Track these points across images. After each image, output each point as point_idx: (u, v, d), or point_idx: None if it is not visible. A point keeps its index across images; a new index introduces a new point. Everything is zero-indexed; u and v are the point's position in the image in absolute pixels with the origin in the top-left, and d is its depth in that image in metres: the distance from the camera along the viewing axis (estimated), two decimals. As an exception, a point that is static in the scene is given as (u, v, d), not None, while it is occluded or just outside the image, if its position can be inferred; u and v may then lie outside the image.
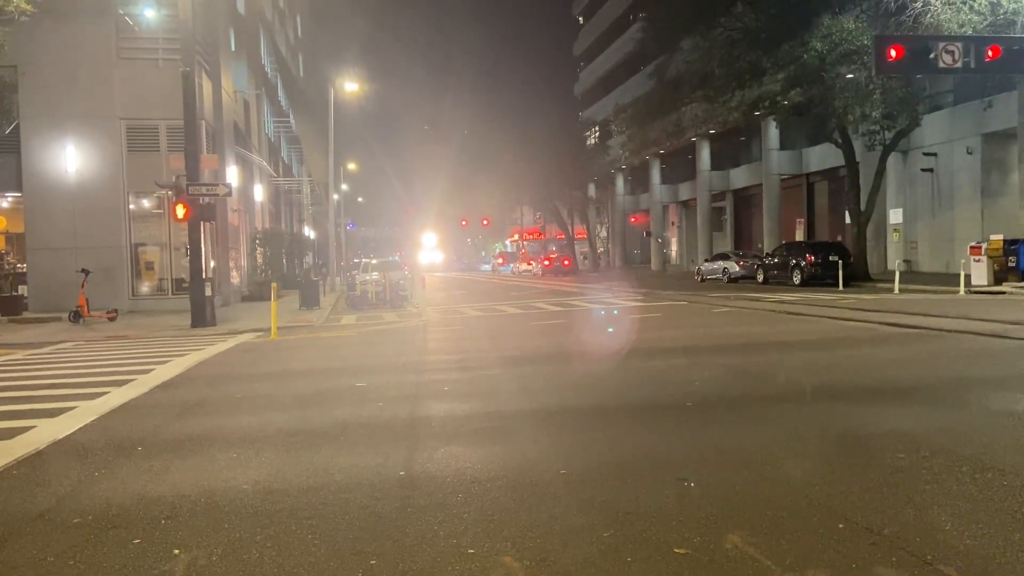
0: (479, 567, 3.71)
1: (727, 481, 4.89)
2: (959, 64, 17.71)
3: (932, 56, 17.59)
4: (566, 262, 54.70)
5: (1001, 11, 19.95)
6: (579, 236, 64.82)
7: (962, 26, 20.13)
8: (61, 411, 7.85)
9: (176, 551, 4.02)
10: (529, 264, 58.84)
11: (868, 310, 16.43)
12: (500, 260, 74.20)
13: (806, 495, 4.57)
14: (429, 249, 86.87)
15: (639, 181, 61.52)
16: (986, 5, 20.00)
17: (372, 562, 3.82)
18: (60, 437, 6.73)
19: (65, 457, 6.13)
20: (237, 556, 3.94)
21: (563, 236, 64.00)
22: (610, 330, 15.27)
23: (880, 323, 13.79)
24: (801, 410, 6.99)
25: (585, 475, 5.13)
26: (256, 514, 4.57)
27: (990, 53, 17.65)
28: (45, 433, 6.88)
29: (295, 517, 4.49)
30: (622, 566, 3.68)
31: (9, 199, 24.16)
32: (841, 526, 4.06)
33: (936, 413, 6.61)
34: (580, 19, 75.75)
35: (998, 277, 21.98)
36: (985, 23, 20.14)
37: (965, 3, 20.23)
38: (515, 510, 4.49)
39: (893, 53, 17.67)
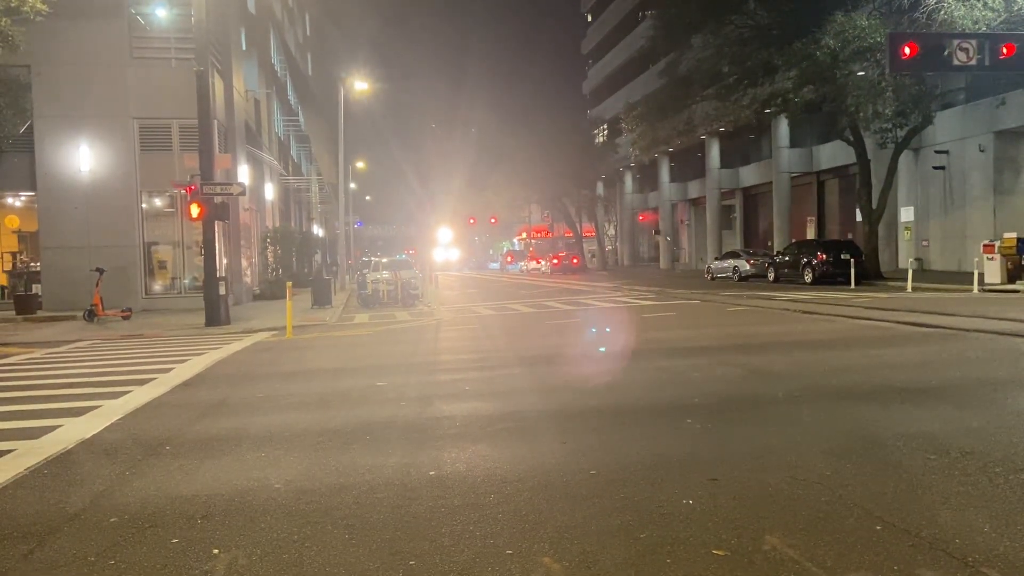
0: (520, 568, 3.72)
1: (759, 481, 4.89)
2: (973, 61, 17.61)
3: (946, 53, 17.50)
4: (575, 260, 54.68)
5: (1016, 7, 19.84)
6: (587, 234, 64.74)
7: (976, 23, 20.03)
8: (85, 410, 7.89)
9: (215, 550, 4.04)
10: (538, 262, 58.83)
11: (883, 309, 16.37)
12: (509, 258, 74.21)
13: (840, 496, 4.57)
14: (444, 246, 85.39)
15: (648, 179, 61.43)
16: (1000, 2, 19.90)
17: (411, 562, 3.83)
18: (87, 436, 6.77)
19: (94, 456, 6.17)
20: (276, 556, 3.96)
21: (571, 234, 63.91)
22: (626, 329, 15.23)
23: (897, 322, 13.74)
24: (826, 410, 6.96)
25: (615, 476, 5.13)
26: (290, 514, 4.59)
27: (1004, 50, 17.55)
28: (72, 432, 6.92)
29: (330, 517, 4.51)
30: (662, 568, 3.68)
31: (23, 198, 24.27)
32: (879, 528, 4.05)
33: (963, 414, 6.59)
34: (588, 17, 75.65)
35: (1011, 275, 21.88)
36: (999, 20, 20.04)
37: (979, 0, 20.13)
38: (549, 511, 4.50)
39: (907, 50, 17.58)
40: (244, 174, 25.67)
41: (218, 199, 17.62)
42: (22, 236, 25.15)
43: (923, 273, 28.41)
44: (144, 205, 23.00)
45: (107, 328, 17.75)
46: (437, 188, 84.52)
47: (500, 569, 3.72)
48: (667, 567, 3.68)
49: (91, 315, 19.00)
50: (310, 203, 49.36)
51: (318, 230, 51.38)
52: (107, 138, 22.42)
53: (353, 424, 6.99)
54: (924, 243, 32.40)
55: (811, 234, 40.58)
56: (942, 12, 20.80)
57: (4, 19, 17.09)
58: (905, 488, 4.69)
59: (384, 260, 30.12)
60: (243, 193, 19.67)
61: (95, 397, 8.63)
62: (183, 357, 12.22)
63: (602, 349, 11.98)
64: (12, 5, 16.98)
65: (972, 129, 29.43)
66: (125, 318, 19.17)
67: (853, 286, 24.44)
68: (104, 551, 4.09)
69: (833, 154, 37.55)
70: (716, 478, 4.98)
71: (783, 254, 30.58)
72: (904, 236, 33.55)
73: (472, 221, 79.09)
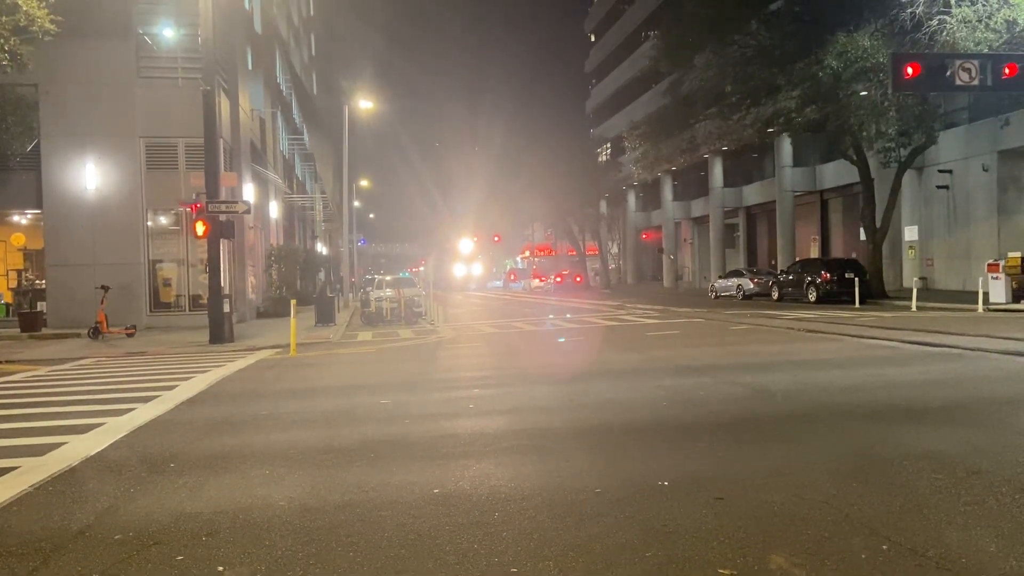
0: (525, 587, 3.71)
1: (765, 500, 4.87)
2: (976, 82, 17.68)
3: (949, 74, 17.57)
4: (578, 279, 54.74)
5: (1017, 29, 19.97)
6: (590, 252, 64.81)
7: (978, 44, 20.15)
8: (90, 427, 7.90)
9: (220, 568, 4.04)
10: (541, 280, 58.90)
11: (888, 328, 16.35)
12: (511, 276, 74.33)
13: (846, 515, 4.55)
14: (465, 259, 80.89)
15: (651, 197, 61.56)
16: (1002, 23, 20.03)
17: (416, 581, 3.82)
18: (92, 453, 6.77)
19: (99, 473, 6.17)
20: (281, 574, 3.95)
21: (574, 253, 63.99)
22: (630, 348, 15.22)
23: (902, 341, 13.72)
24: (832, 430, 6.94)
25: (620, 494, 5.11)
26: (295, 531, 4.58)
27: (1007, 71, 17.62)
28: (77, 449, 6.92)
29: (334, 535, 4.50)
30: (668, 586, 3.66)
31: (29, 216, 24.39)
32: (885, 547, 4.03)
33: (969, 433, 6.56)
34: (592, 36, 76.19)
35: (1016, 295, 21.85)
36: (1001, 41, 20.16)
37: (981, 21, 20.26)
38: (554, 529, 4.49)
39: (910, 71, 17.67)
40: (249, 192, 25.81)
41: (223, 217, 17.72)
42: (28, 254, 25.24)
43: (927, 292, 28.38)
44: (149, 223, 23.10)
45: (112, 346, 17.78)
46: (441, 207, 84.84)
47: (505, 588, 3.71)
48: (673, 586, 3.67)
49: (96, 332, 19.03)
50: (314, 221, 49.58)
51: (322, 248, 51.50)
52: (114, 157, 22.57)
53: (357, 442, 6.98)
54: (928, 262, 32.38)
55: (815, 253, 40.59)
56: (944, 33, 20.94)
57: (13, 38, 17.26)
58: (912, 507, 4.67)
59: (388, 278, 30.19)
60: (248, 211, 19.77)
61: (100, 414, 8.63)
62: (187, 374, 12.23)
63: (606, 368, 11.96)
64: (21, 24, 17.16)
65: (975, 148, 29.49)
66: (130, 336, 19.21)
67: (857, 305, 24.41)
68: (109, 568, 4.09)
69: (836, 173, 37.62)
70: (722, 497, 4.97)
71: (787, 273, 30.56)
72: (908, 255, 33.55)
73: (476, 239, 79.24)
